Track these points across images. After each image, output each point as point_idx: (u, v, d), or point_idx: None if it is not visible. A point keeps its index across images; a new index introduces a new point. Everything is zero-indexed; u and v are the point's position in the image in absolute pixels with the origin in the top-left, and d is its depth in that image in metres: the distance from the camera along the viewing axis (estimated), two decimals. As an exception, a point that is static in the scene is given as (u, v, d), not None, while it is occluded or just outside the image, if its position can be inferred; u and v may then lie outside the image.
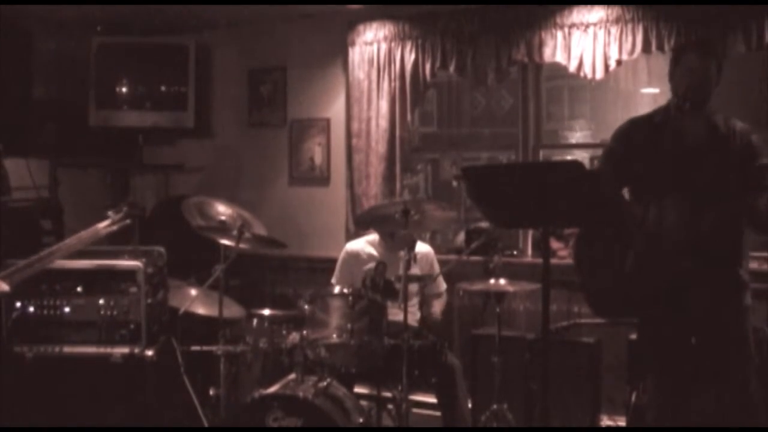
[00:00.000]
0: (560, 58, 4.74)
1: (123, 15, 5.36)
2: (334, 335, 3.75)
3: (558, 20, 4.73)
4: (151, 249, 4.32)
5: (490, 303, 4.33)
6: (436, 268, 4.53)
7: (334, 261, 4.62)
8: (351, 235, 5.22)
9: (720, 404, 3.18)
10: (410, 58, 5.16)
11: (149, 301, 4.05)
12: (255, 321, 4.19)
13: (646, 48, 4.49)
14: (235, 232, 4.04)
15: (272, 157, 5.81)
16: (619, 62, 4.61)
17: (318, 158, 5.65)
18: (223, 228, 4.11)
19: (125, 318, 4.00)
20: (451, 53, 5.05)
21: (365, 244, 4.58)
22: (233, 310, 4.38)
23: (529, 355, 4.33)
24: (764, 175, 3.11)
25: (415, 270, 4.08)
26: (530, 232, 5.15)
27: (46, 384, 3.91)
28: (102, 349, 3.98)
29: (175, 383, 4.17)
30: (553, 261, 3.88)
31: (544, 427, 2.98)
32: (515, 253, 5.08)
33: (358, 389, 4.27)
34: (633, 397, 3.96)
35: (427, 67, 5.13)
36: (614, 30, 4.56)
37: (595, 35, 4.62)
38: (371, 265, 4.14)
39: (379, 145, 5.26)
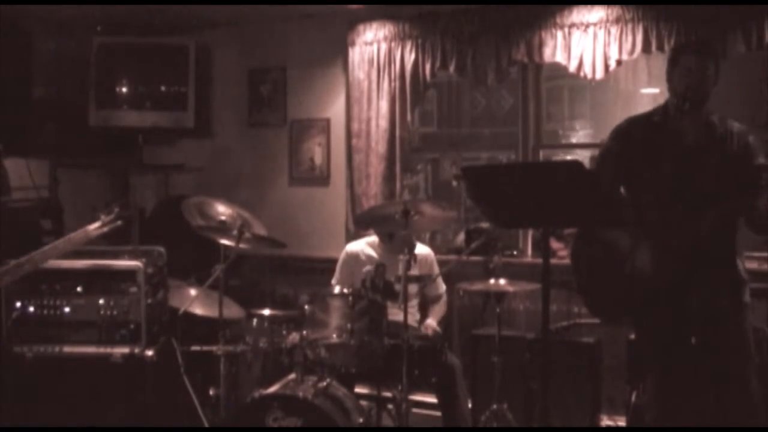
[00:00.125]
0: (560, 58, 4.74)
1: (123, 15, 5.36)
2: (334, 335, 3.75)
3: (558, 20, 4.73)
4: (151, 249, 4.32)
5: (490, 303, 4.33)
6: (436, 269, 4.53)
7: (334, 261, 4.62)
8: (351, 236, 5.22)
9: (720, 404, 3.18)
10: (410, 58, 5.16)
11: (149, 301, 4.05)
12: (255, 321, 4.20)
13: (646, 48, 4.49)
14: (235, 232, 4.04)
15: (272, 157, 5.81)
16: (619, 62, 4.61)
17: (318, 158, 5.65)
18: (223, 228, 4.11)
19: (125, 318, 4.00)
20: (451, 53, 5.05)
21: (365, 246, 4.58)
22: (233, 310, 4.38)
23: (529, 355, 4.33)
24: (762, 175, 3.11)
25: (415, 272, 4.08)
26: (530, 232, 5.15)
27: (46, 384, 3.92)
28: (102, 349, 3.98)
29: (175, 383, 4.17)
30: (553, 261, 3.88)
31: (544, 427, 2.98)
32: (515, 253, 5.08)
33: (358, 389, 4.27)
34: (633, 397, 3.96)
35: (427, 67, 5.13)
36: (614, 30, 4.57)
37: (595, 35, 4.62)
38: (370, 267, 4.14)
39: (379, 145, 5.26)
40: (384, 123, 5.24)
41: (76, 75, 5.49)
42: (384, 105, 5.23)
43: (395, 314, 3.85)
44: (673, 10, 4.40)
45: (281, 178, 5.80)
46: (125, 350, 3.98)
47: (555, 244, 4.86)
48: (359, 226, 4.94)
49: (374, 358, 3.75)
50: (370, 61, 5.29)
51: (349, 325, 3.72)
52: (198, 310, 4.36)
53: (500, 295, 4.15)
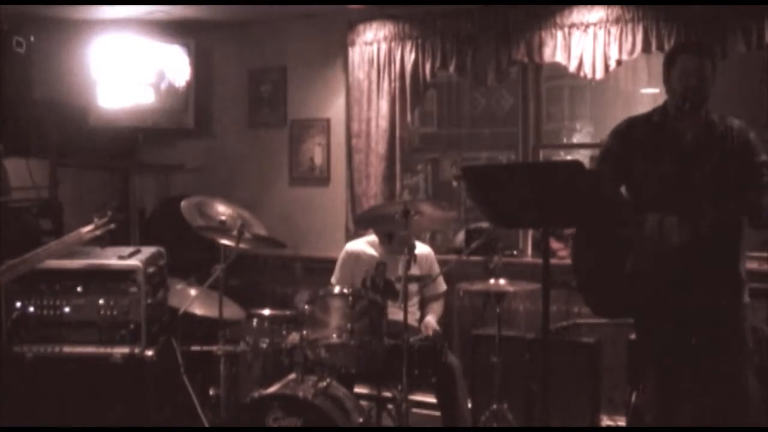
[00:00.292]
0: (560, 58, 4.74)
1: (123, 15, 5.36)
2: (334, 335, 3.75)
3: (558, 20, 4.73)
4: (151, 249, 4.31)
5: (490, 303, 4.33)
6: (436, 269, 4.53)
7: (334, 261, 4.62)
8: (351, 235, 5.22)
9: (719, 404, 3.18)
10: (410, 58, 5.16)
11: (149, 301, 4.04)
12: (255, 321, 4.19)
13: (646, 48, 4.49)
14: (235, 232, 4.04)
15: (272, 157, 5.81)
16: (619, 62, 4.61)
17: (318, 158, 5.65)
18: (223, 228, 4.11)
19: (125, 318, 3.99)
20: (451, 53, 5.05)
21: (365, 245, 4.58)
22: (233, 310, 4.38)
23: (529, 355, 4.33)
24: (763, 172, 3.10)
25: (415, 271, 4.08)
26: (530, 232, 5.15)
27: (46, 384, 3.91)
28: (102, 349, 3.97)
29: (175, 383, 4.17)
30: (553, 261, 3.88)
31: (544, 427, 2.98)
32: (515, 253, 5.08)
33: (358, 389, 4.27)
34: (633, 397, 3.96)
35: (427, 67, 5.13)
36: (614, 30, 4.57)
37: (595, 35, 4.62)
38: (372, 267, 4.14)
39: (379, 145, 5.26)
40: (384, 123, 5.24)
41: (76, 75, 5.49)
42: (384, 105, 5.23)
43: (395, 314, 3.85)
44: (673, 10, 4.41)
45: (281, 178, 5.80)
46: (125, 350, 3.97)
47: (555, 244, 4.86)
48: (359, 226, 4.94)
49: (374, 358, 3.75)
50: (370, 61, 5.29)
51: (349, 325, 3.72)
52: (198, 310, 4.36)
53: (500, 295, 4.15)
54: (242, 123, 5.93)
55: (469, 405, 4.32)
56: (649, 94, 6.33)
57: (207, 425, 4.17)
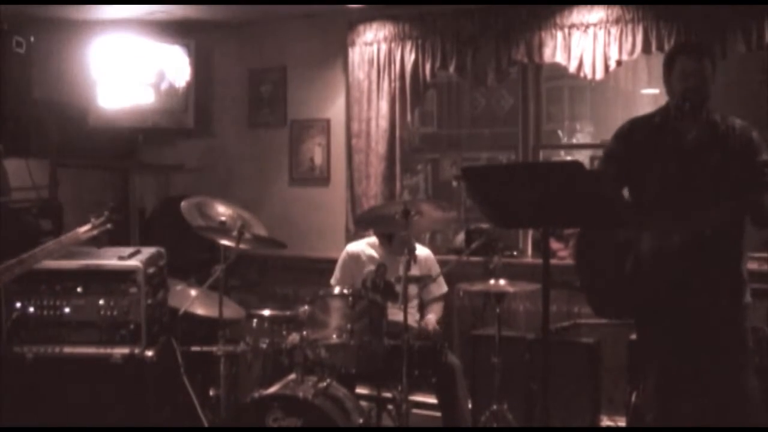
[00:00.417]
0: (560, 58, 4.75)
1: (123, 15, 5.36)
2: (334, 336, 3.75)
3: (558, 20, 4.73)
4: (151, 249, 4.31)
5: (490, 303, 4.33)
6: (436, 270, 4.53)
7: (334, 261, 4.62)
8: (351, 236, 5.23)
9: (719, 404, 3.17)
10: (410, 58, 5.16)
11: (149, 301, 4.04)
12: (255, 321, 4.19)
13: (646, 48, 4.49)
14: (235, 233, 4.04)
15: (272, 157, 5.81)
16: (619, 62, 4.61)
17: (318, 158, 5.65)
18: (223, 228, 4.10)
19: (125, 318, 3.99)
20: (451, 53, 5.05)
21: (366, 246, 4.57)
22: (233, 311, 4.38)
23: (529, 355, 4.33)
24: (765, 172, 3.10)
25: (415, 272, 4.08)
26: (530, 232, 5.15)
27: (46, 384, 3.91)
28: (102, 350, 3.97)
29: (175, 383, 4.17)
30: (553, 261, 3.88)
31: (544, 427, 2.98)
32: (515, 253, 5.09)
33: (359, 390, 4.27)
34: (633, 397, 3.96)
35: (427, 67, 5.13)
36: (614, 30, 4.57)
37: (595, 35, 4.62)
38: (371, 268, 4.14)
39: (379, 145, 5.26)
40: (384, 123, 5.24)
41: (76, 75, 5.49)
42: (384, 105, 5.23)
43: (395, 315, 3.85)
44: (673, 10, 4.41)
45: (281, 178, 5.80)
46: (125, 350, 3.97)
47: (555, 245, 4.86)
48: (359, 226, 4.94)
49: (374, 358, 3.75)
50: (370, 62, 5.29)
51: (349, 326, 3.72)
52: (198, 311, 4.36)
53: (500, 296, 4.15)
54: (242, 123, 5.93)
55: (469, 405, 4.32)
56: (649, 94, 6.33)
57: (207, 425, 4.17)
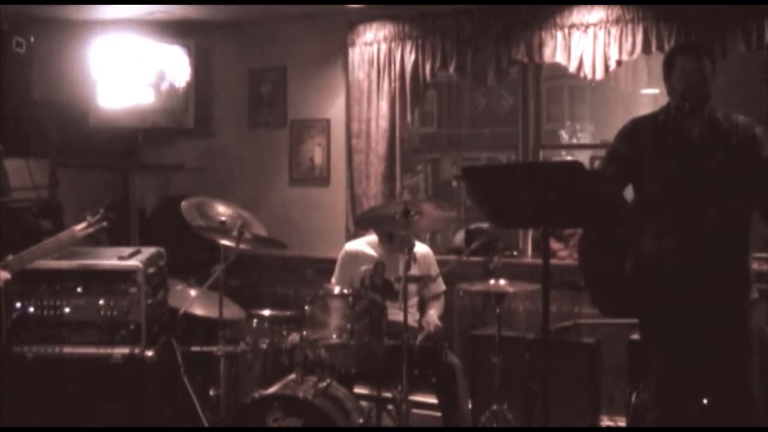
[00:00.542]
0: (560, 58, 4.74)
1: (123, 15, 5.36)
2: (334, 336, 3.75)
3: (558, 20, 4.73)
4: (151, 249, 4.31)
5: (490, 303, 4.33)
6: (435, 268, 4.53)
7: (334, 261, 4.62)
8: (351, 235, 5.22)
9: (721, 404, 3.17)
10: (410, 58, 5.16)
11: (149, 301, 4.04)
12: (255, 321, 4.19)
13: (646, 48, 4.49)
14: (235, 233, 4.04)
15: (272, 157, 5.81)
16: (619, 62, 4.61)
17: (318, 158, 5.65)
18: (223, 228, 4.10)
19: (125, 318, 3.99)
20: (451, 53, 5.05)
21: (365, 245, 4.58)
22: (233, 311, 4.38)
23: (529, 355, 4.33)
24: None
25: (414, 271, 4.08)
26: (530, 232, 5.15)
27: (46, 384, 3.91)
28: (102, 350, 3.97)
29: (175, 383, 4.17)
30: (553, 261, 3.89)
31: (544, 427, 2.98)
32: (515, 253, 5.08)
33: (358, 390, 4.27)
34: (633, 397, 3.96)
35: (427, 67, 5.13)
36: (614, 30, 4.57)
37: (595, 35, 4.62)
38: (369, 265, 4.14)
39: (379, 145, 5.26)
40: (384, 123, 5.24)
41: (76, 75, 5.49)
42: (384, 105, 5.23)
43: (395, 314, 3.85)
44: (673, 10, 4.40)
45: (281, 178, 5.80)
46: (125, 350, 3.97)
47: (555, 245, 4.86)
48: (359, 226, 4.94)
49: (374, 358, 3.75)
50: (370, 62, 5.29)
51: (349, 326, 3.72)
52: (198, 311, 4.36)
53: (500, 296, 4.15)
54: (242, 123, 5.93)
55: (469, 405, 4.32)
56: (649, 94, 6.32)
57: (207, 425, 4.17)
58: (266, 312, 4.26)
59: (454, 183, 7.92)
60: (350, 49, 5.39)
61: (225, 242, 4.10)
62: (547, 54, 4.77)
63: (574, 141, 7.61)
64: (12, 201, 4.84)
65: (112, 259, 4.10)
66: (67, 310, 4.01)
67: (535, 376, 4.22)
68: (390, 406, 3.99)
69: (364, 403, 4.01)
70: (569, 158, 6.36)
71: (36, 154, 5.17)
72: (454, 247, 5.51)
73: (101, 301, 4.00)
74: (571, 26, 4.70)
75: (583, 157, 6.58)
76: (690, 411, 3.22)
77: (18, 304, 3.98)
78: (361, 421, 3.71)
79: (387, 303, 3.89)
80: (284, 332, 4.14)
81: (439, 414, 4.19)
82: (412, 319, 4.23)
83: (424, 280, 4.27)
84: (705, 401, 3.22)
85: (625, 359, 4.18)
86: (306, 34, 5.64)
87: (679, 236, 3.10)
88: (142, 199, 6.02)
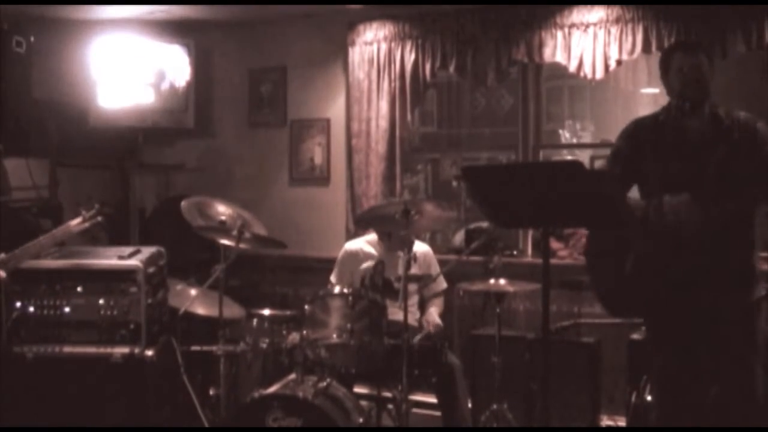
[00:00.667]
0: (560, 58, 4.75)
1: (123, 15, 5.36)
2: (334, 335, 3.75)
3: (558, 20, 4.73)
4: (151, 248, 4.31)
5: (490, 303, 4.33)
6: (435, 267, 4.53)
7: (334, 261, 4.62)
8: (351, 235, 5.22)
9: (724, 403, 3.16)
10: (410, 58, 5.16)
11: (149, 301, 4.04)
12: (255, 321, 4.19)
13: (646, 48, 4.49)
14: (235, 232, 4.04)
15: (272, 157, 5.81)
16: (619, 62, 4.61)
17: (318, 158, 5.65)
18: (223, 228, 4.11)
19: (125, 318, 3.99)
20: (451, 53, 5.05)
21: (364, 244, 4.58)
22: (233, 310, 4.38)
23: (529, 354, 4.33)
24: None
25: (414, 270, 4.08)
26: (530, 232, 5.15)
27: (46, 384, 3.91)
28: (102, 349, 3.97)
29: (175, 383, 4.17)
30: (553, 261, 3.88)
31: (544, 427, 2.98)
32: (515, 253, 5.08)
33: (358, 389, 4.27)
34: (633, 397, 3.96)
35: (427, 67, 5.13)
36: (614, 30, 4.57)
37: (595, 35, 4.62)
38: (369, 263, 4.14)
39: (379, 145, 5.26)
40: (384, 123, 5.24)
41: (76, 75, 5.49)
42: (384, 105, 5.23)
43: (395, 314, 3.85)
44: (673, 10, 4.41)
45: (281, 178, 5.80)
46: (125, 350, 3.97)
47: (555, 244, 4.86)
48: (359, 226, 4.94)
49: (374, 358, 3.75)
50: (370, 61, 5.29)
51: (349, 326, 3.73)
52: (198, 310, 4.36)
53: (500, 295, 4.15)
54: (242, 123, 5.93)
55: (469, 405, 4.32)
56: (649, 94, 6.33)
57: (207, 425, 4.17)
58: (266, 311, 4.25)
59: (454, 183, 7.92)
60: (350, 49, 5.39)
61: (225, 242, 4.10)
62: (547, 54, 4.77)
63: (575, 141, 7.61)
64: (12, 201, 4.84)
65: (112, 258, 4.09)
66: (67, 309, 4.00)
67: (535, 375, 4.22)
68: (390, 406, 3.99)
69: (364, 403, 4.01)
70: (569, 158, 6.36)
71: (36, 154, 5.17)
72: (454, 247, 5.51)
73: (101, 301, 4.00)
74: (571, 26, 4.70)
75: (584, 156, 6.58)
76: (691, 411, 3.22)
77: (18, 304, 3.98)
78: (361, 420, 3.71)
79: (387, 302, 3.89)
80: (284, 332, 4.14)
81: (439, 414, 4.19)
82: (413, 318, 4.23)
83: (424, 280, 4.27)
84: (708, 400, 3.21)
85: (625, 359, 4.17)
86: (306, 34, 5.64)
87: (685, 234, 3.08)
88: (142, 199, 6.02)
